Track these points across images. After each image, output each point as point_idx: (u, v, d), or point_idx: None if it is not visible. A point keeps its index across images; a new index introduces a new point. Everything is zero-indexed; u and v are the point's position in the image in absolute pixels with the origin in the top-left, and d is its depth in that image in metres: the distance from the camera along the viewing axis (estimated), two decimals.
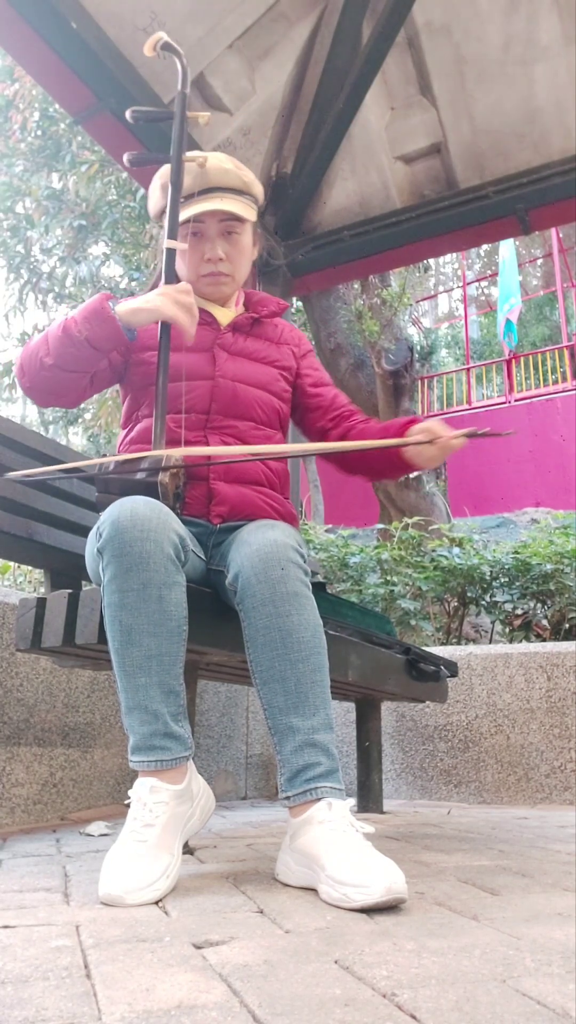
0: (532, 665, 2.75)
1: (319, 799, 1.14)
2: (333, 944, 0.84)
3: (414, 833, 1.83)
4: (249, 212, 1.55)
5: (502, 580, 3.63)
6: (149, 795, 1.14)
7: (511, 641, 3.57)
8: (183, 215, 1.49)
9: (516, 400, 10.58)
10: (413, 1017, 0.62)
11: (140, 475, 1.31)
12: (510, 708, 2.75)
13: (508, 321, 10.90)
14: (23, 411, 15.04)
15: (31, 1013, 0.63)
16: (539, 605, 3.61)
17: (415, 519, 4.39)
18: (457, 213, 3.26)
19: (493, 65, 3.06)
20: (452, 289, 18.16)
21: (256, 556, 1.24)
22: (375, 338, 5.95)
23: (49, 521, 1.60)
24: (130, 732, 1.18)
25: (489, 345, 14.71)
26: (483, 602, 3.67)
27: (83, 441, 10.60)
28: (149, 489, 1.29)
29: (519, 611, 3.68)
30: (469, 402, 11.33)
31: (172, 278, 1.46)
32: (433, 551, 3.81)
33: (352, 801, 1.17)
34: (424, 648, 2.41)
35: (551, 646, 2.77)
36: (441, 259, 16.54)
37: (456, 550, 3.77)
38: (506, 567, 3.57)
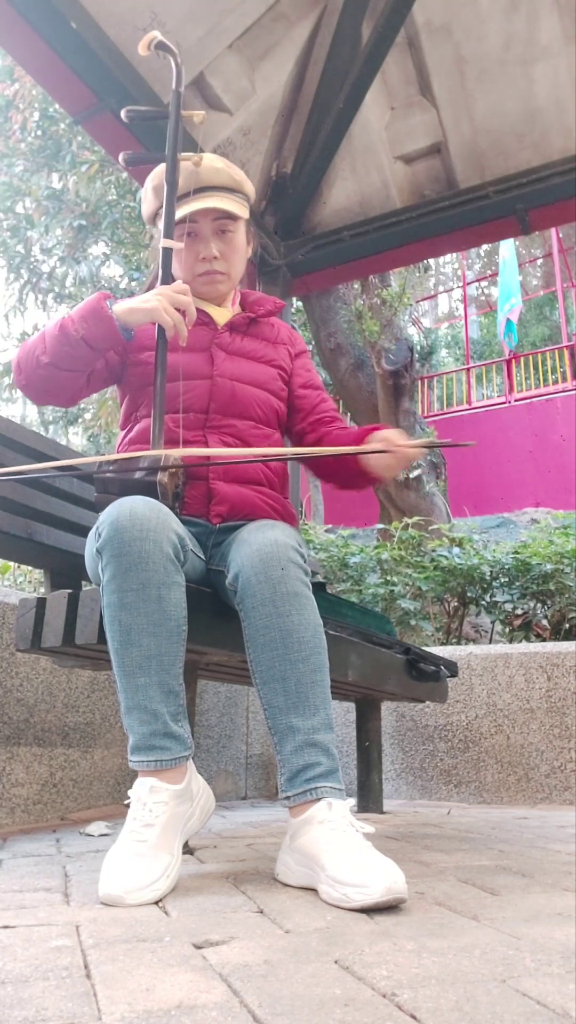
0: (532, 665, 2.75)
1: (319, 799, 1.14)
2: (333, 944, 0.84)
3: (414, 833, 1.83)
4: (242, 210, 1.56)
5: (502, 580, 3.63)
6: (149, 795, 1.14)
7: (511, 641, 3.57)
8: (177, 215, 1.49)
9: (516, 400, 10.59)
10: (413, 1017, 0.62)
11: (139, 475, 1.31)
12: (510, 708, 2.75)
13: (508, 321, 10.91)
14: (23, 411, 15.02)
15: (31, 1013, 0.63)
16: (539, 605, 3.60)
17: (415, 519, 4.39)
18: (457, 213, 3.26)
19: (493, 65, 3.06)
20: (452, 289, 18.17)
21: (256, 556, 1.24)
22: (375, 338, 5.95)
23: (49, 521, 1.60)
24: (130, 732, 1.18)
25: (489, 345, 14.71)
26: (483, 602, 3.67)
27: (83, 441, 10.60)
28: (148, 489, 1.29)
29: (519, 611, 3.68)
30: (469, 402, 11.33)
31: (169, 278, 1.46)
32: (433, 551, 3.81)
33: (352, 801, 1.17)
34: (424, 648, 2.41)
35: (551, 646, 2.77)
36: (441, 259, 16.54)
37: (456, 550, 3.77)
38: (506, 567, 3.57)
